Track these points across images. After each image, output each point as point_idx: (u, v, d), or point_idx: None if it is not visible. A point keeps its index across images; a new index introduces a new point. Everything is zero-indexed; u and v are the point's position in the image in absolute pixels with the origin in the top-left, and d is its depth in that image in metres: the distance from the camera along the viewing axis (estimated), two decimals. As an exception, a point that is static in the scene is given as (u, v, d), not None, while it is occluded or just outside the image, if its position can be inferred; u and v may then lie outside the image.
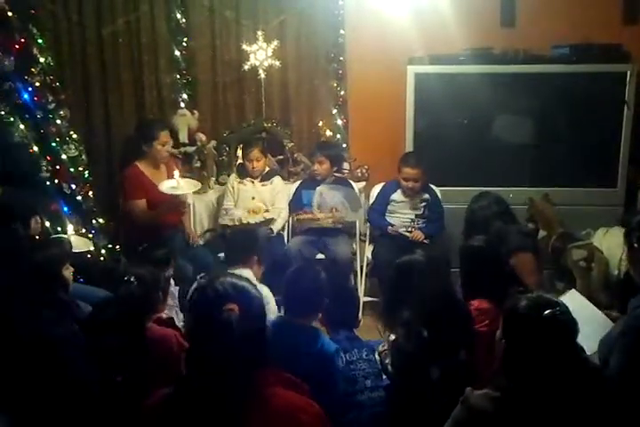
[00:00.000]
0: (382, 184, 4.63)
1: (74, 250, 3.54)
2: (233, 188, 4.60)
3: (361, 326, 3.00)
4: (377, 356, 2.75)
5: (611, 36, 4.53)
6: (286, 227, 4.60)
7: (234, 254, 3.53)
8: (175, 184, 3.89)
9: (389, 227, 4.36)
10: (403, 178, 4.38)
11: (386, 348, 2.72)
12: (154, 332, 2.68)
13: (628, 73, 4.39)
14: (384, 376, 2.72)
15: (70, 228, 3.79)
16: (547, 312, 1.85)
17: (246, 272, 3.19)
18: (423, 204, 4.46)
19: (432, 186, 4.52)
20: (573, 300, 2.82)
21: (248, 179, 4.59)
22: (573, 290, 3.13)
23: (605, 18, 4.69)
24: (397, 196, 4.49)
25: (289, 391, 1.68)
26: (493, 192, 4.03)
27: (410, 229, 4.33)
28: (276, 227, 4.47)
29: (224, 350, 1.57)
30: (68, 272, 3.06)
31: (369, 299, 4.24)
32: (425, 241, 4.23)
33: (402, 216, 4.47)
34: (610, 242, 3.94)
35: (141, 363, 2.48)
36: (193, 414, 1.58)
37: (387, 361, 2.66)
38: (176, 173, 3.99)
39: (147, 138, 4.26)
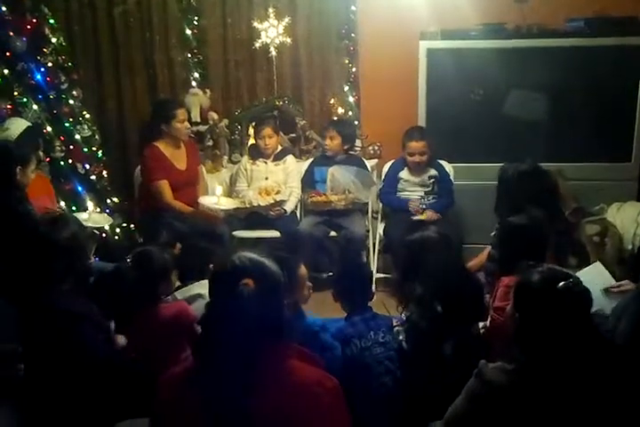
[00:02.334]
0: (389, 164, 4.61)
1: (94, 225, 3.63)
2: (245, 170, 4.59)
3: (374, 302, 3.01)
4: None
5: (626, 9, 4.44)
6: (299, 206, 4.61)
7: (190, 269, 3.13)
8: (216, 200, 4.22)
9: (410, 202, 4.32)
10: (408, 153, 4.37)
11: (399, 324, 2.73)
12: (166, 310, 2.70)
13: (644, 46, 4.33)
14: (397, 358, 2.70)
15: (90, 205, 3.83)
16: (561, 284, 1.85)
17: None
18: (432, 180, 4.44)
19: (442, 162, 4.51)
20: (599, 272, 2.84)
21: (261, 159, 4.59)
22: (598, 262, 3.09)
23: (621, -10, 4.61)
24: (404, 174, 4.48)
25: (306, 365, 1.70)
26: (528, 162, 3.67)
27: (423, 208, 4.32)
28: (288, 206, 4.48)
29: (241, 323, 1.59)
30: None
31: (382, 275, 4.26)
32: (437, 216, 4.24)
33: (411, 194, 4.46)
34: (623, 217, 3.93)
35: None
36: (212, 388, 1.60)
37: (400, 337, 2.67)
38: (218, 188, 4.26)
39: (165, 118, 4.24)
